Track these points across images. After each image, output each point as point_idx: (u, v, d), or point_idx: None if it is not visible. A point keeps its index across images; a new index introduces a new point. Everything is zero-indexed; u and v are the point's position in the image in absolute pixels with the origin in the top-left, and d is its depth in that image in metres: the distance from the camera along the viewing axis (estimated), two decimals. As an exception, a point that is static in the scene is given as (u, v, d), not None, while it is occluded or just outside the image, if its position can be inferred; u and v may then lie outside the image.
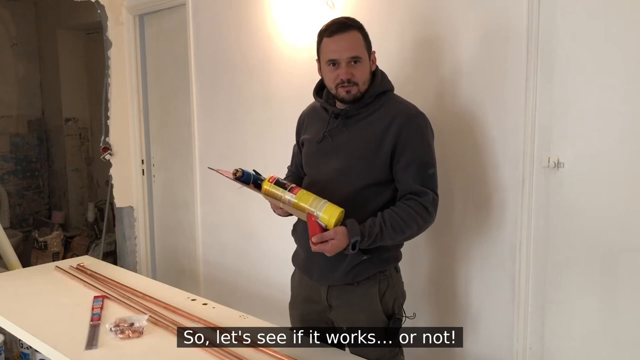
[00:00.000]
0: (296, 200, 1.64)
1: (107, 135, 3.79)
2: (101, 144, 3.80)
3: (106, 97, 3.78)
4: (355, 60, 1.72)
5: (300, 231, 1.86)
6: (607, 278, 1.80)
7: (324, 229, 1.61)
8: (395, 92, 1.85)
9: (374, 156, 1.74)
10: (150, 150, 3.79)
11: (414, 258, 2.31)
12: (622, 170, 1.74)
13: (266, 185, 1.69)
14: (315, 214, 1.61)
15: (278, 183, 1.68)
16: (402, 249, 1.88)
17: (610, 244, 1.79)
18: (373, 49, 1.78)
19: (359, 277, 1.78)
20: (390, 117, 1.74)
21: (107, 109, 3.79)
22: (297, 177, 1.99)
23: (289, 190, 1.66)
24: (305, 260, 1.88)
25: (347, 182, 1.77)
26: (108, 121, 3.78)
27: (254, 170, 1.77)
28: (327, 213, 1.60)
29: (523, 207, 1.95)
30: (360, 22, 1.77)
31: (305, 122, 1.96)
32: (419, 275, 2.29)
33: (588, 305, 1.85)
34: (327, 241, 1.62)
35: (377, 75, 1.80)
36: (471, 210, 2.12)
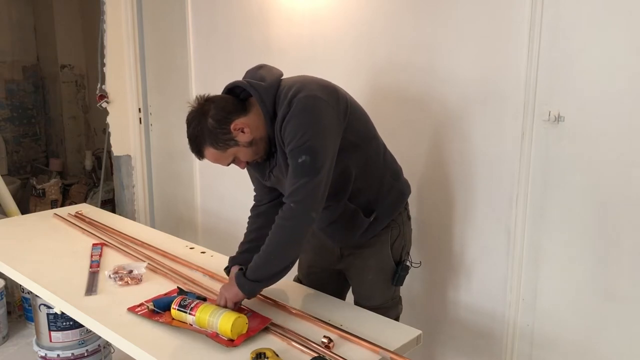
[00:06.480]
0: (197, 324, 1.54)
1: (103, 82, 3.73)
2: (97, 92, 3.75)
3: (102, 43, 3.70)
4: (232, 162, 1.69)
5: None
6: (601, 232, 1.82)
7: (229, 340, 1.48)
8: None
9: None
10: (147, 99, 3.74)
11: (410, 209, 2.32)
12: (622, 125, 1.73)
13: (173, 312, 1.60)
14: (214, 332, 1.51)
15: (181, 306, 1.57)
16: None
17: (606, 198, 1.79)
18: (232, 125, 1.61)
19: (375, 232, 1.82)
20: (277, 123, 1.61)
21: (102, 56, 3.72)
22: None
23: (189, 312, 1.55)
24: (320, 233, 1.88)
25: None
26: (104, 68, 3.72)
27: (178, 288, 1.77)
28: (222, 325, 1.49)
29: (522, 161, 1.94)
30: (201, 125, 1.63)
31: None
32: (414, 226, 2.30)
33: (581, 259, 1.87)
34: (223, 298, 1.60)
35: (262, 114, 1.63)
36: (469, 162, 2.11)
